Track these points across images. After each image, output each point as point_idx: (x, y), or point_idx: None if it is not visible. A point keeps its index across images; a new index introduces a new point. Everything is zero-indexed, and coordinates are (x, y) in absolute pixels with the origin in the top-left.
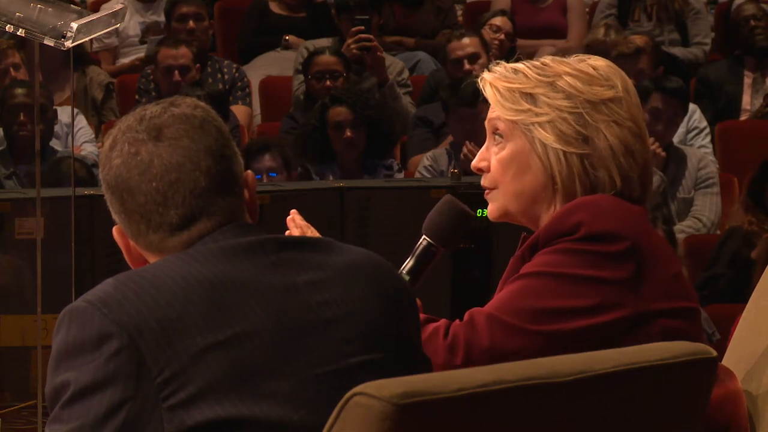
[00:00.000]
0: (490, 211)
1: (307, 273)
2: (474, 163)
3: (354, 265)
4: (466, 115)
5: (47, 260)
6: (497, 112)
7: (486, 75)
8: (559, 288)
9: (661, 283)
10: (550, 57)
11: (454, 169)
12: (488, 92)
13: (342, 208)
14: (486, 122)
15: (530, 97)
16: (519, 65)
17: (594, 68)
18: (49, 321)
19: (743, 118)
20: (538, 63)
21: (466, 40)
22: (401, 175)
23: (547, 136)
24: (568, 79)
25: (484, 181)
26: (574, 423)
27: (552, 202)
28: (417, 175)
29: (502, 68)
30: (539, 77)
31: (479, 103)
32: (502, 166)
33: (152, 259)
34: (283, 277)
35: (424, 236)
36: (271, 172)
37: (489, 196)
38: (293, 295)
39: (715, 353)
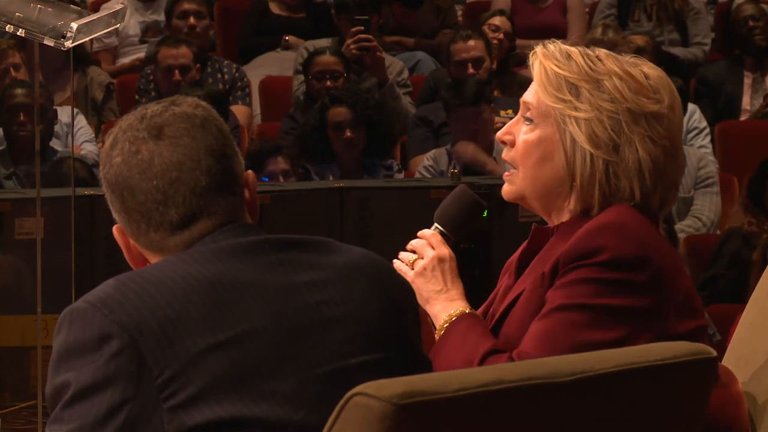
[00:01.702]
0: (506, 191)
1: (307, 273)
2: (499, 134)
3: (354, 266)
4: (467, 115)
5: (47, 260)
6: (538, 94)
7: (539, 50)
8: (594, 320)
9: (678, 304)
10: (605, 52)
11: (454, 169)
12: (536, 69)
13: (342, 208)
14: (521, 99)
15: (574, 89)
16: (573, 50)
17: (645, 76)
18: (49, 321)
19: (743, 118)
20: (592, 54)
21: (471, 43)
22: (401, 175)
23: (579, 134)
24: (616, 81)
25: (506, 155)
26: (574, 423)
27: (567, 198)
28: (417, 175)
29: (556, 49)
30: (589, 71)
31: (481, 102)
32: (527, 148)
33: (152, 258)
34: (283, 277)
35: (435, 224)
36: (286, 174)
37: (508, 178)
38: (293, 295)
39: (715, 353)
